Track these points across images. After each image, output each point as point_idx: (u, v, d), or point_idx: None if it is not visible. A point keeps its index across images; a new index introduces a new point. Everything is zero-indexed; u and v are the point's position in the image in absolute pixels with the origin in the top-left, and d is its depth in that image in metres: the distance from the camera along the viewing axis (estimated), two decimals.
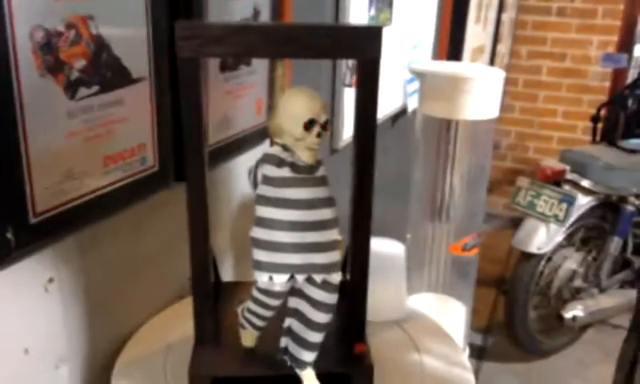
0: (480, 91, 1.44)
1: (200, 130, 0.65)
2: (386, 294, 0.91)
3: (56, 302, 0.77)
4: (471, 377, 0.83)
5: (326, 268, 0.65)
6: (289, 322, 0.69)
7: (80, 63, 0.70)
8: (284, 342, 0.70)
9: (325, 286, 0.65)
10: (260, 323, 0.70)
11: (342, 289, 0.82)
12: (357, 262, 0.73)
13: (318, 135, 0.63)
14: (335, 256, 0.65)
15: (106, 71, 0.74)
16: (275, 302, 0.67)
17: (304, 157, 0.63)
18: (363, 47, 0.64)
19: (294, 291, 0.67)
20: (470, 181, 1.64)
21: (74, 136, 0.71)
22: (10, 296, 0.70)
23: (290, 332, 0.69)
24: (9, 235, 0.66)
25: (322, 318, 0.67)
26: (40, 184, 0.68)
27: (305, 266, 0.64)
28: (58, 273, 0.76)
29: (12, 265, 0.69)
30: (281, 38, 0.64)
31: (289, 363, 0.69)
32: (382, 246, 0.94)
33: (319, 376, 0.70)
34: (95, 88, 0.73)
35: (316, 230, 0.63)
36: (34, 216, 0.68)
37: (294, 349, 0.68)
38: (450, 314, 1.67)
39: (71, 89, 0.69)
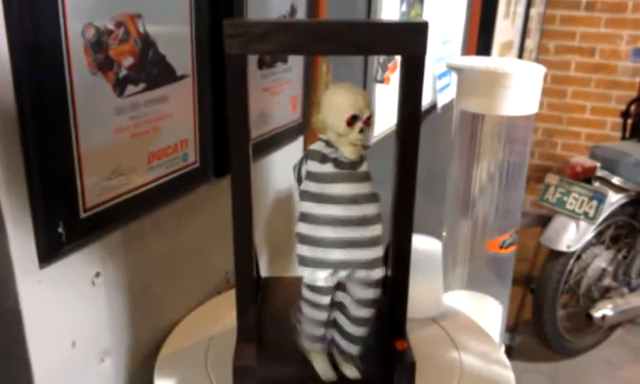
0: (520, 87, 1.43)
1: (246, 124, 0.66)
2: (423, 291, 0.91)
3: (101, 295, 0.79)
4: (511, 374, 0.83)
5: (368, 264, 0.65)
6: (334, 314, 0.70)
7: (128, 61, 0.71)
8: (330, 333, 0.70)
9: (366, 282, 0.66)
10: (316, 331, 0.69)
11: (383, 285, 0.83)
12: (398, 259, 0.73)
13: (361, 131, 0.63)
14: (377, 252, 0.66)
15: (152, 69, 0.75)
16: (323, 300, 0.67)
17: (347, 152, 0.63)
18: (409, 43, 0.64)
19: (340, 285, 0.68)
20: (508, 178, 1.62)
21: (121, 132, 0.73)
22: (60, 290, 0.72)
23: (335, 324, 0.70)
24: (60, 230, 0.67)
25: (365, 313, 0.68)
26: (90, 180, 0.69)
27: (347, 261, 0.64)
28: (104, 267, 0.78)
29: (62, 259, 0.70)
30: (325, 35, 0.64)
31: (335, 353, 0.70)
32: (419, 243, 0.94)
33: (360, 370, 0.70)
34: (142, 85, 0.74)
35: (358, 225, 0.64)
36: (84, 211, 0.69)
37: (340, 341, 0.69)
38: (486, 312, 1.66)
39: (120, 86, 0.71)
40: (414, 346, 0.75)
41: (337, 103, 0.62)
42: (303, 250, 0.65)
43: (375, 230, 0.65)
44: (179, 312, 0.94)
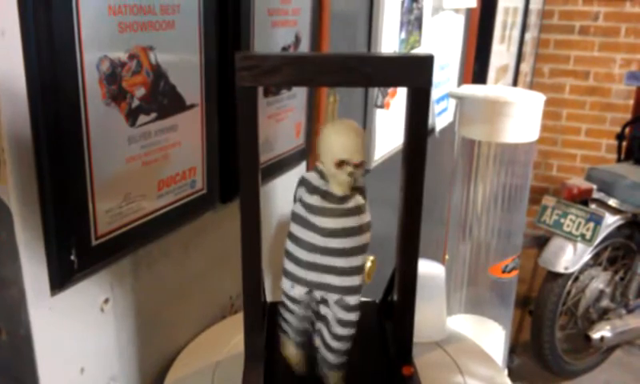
0: (521, 115, 1.46)
1: (255, 153, 0.68)
2: (427, 315, 0.92)
3: (110, 322, 0.79)
4: None
5: (343, 290, 0.67)
6: (319, 325, 0.72)
7: (140, 92, 0.73)
8: (317, 341, 0.73)
9: (341, 305, 0.68)
10: (290, 331, 0.73)
11: (389, 310, 0.83)
12: (404, 285, 0.74)
13: (350, 174, 0.64)
14: (354, 280, 0.67)
15: (163, 99, 0.77)
16: (298, 309, 0.70)
17: (335, 188, 0.65)
18: (415, 76, 0.66)
19: (324, 300, 0.70)
20: (510, 202, 1.65)
21: (133, 161, 0.74)
22: (70, 316, 0.73)
23: (320, 334, 0.72)
24: (72, 257, 0.68)
25: (343, 331, 0.70)
26: (102, 207, 0.70)
27: (319, 284, 0.67)
28: (113, 293, 0.79)
29: (73, 286, 0.71)
30: (335, 68, 0.66)
31: (320, 363, 0.72)
32: (422, 267, 0.95)
33: None
34: (153, 115, 0.76)
35: (336, 255, 0.66)
36: (96, 238, 0.71)
37: (322, 351, 0.72)
38: (488, 336, 1.67)
39: (132, 116, 0.72)
40: (418, 371, 0.76)
41: (329, 145, 0.64)
42: (286, 264, 0.69)
43: (354, 261, 0.67)
44: (185, 337, 0.94)
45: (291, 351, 0.74)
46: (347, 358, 0.72)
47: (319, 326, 0.72)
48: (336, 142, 0.64)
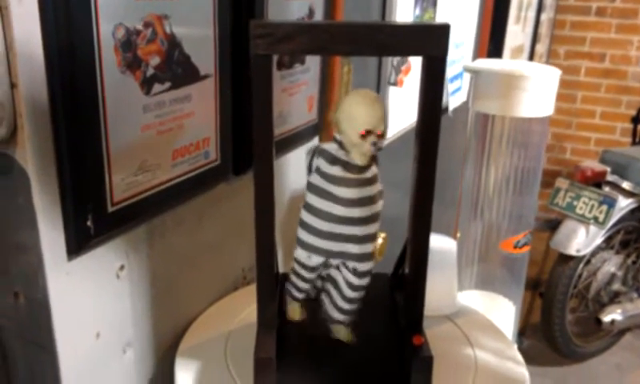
0: (536, 89, 1.44)
1: (270, 123, 0.68)
2: (438, 289, 0.93)
3: (125, 288, 0.81)
4: (525, 372, 0.84)
5: (359, 257, 0.69)
6: (327, 286, 0.74)
7: (155, 60, 0.73)
8: (324, 301, 0.75)
9: (355, 272, 0.70)
10: (297, 294, 0.76)
11: (400, 282, 0.84)
12: (416, 256, 0.75)
13: (374, 144, 0.65)
14: (368, 248, 0.69)
15: (177, 68, 0.77)
16: (310, 275, 0.72)
17: (357, 159, 0.66)
18: (430, 44, 0.66)
19: (337, 266, 0.72)
20: (522, 181, 1.64)
21: (148, 130, 0.75)
22: (86, 282, 0.74)
23: (327, 294, 0.74)
24: (89, 223, 0.69)
25: (353, 294, 0.72)
26: (118, 175, 0.71)
27: (339, 253, 0.69)
28: (128, 260, 0.80)
29: (89, 252, 0.73)
30: (349, 37, 0.66)
31: (323, 316, 0.75)
32: (434, 242, 0.95)
33: (378, 365, 0.73)
34: (167, 84, 0.76)
35: (356, 224, 0.67)
36: (112, 205, 0.72)
37: (329, 308, 0.74)
38: (499, 312, 1.67)
39: (147, 85, 0.73)
40: (429, 342, 0.76)
41: (353, 115, 0.65)
42: (302, 235, 0.69)
43: (371, 228, 0.69)
44: (198, 306, 0.96)
45: (296, 314, 0.77)
46: (355, 316, 0.74)
47: (328, 287, 0.73)
48: (359, 112, 0.64)
